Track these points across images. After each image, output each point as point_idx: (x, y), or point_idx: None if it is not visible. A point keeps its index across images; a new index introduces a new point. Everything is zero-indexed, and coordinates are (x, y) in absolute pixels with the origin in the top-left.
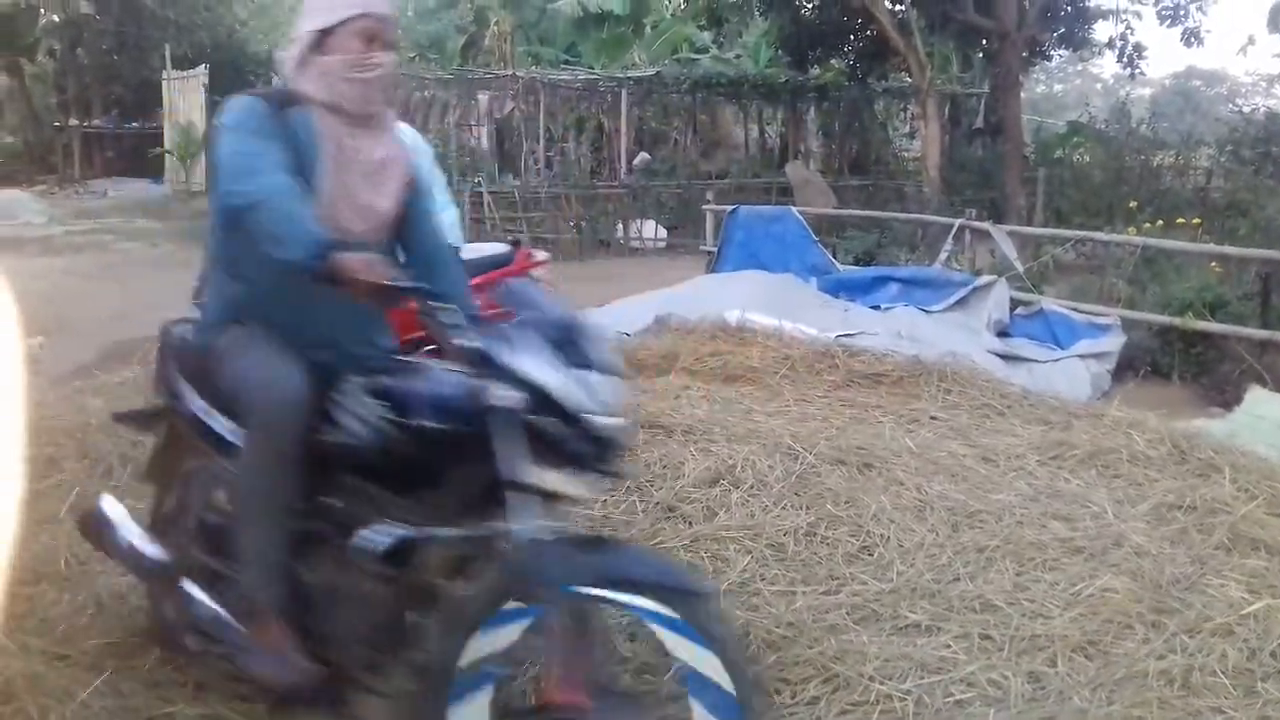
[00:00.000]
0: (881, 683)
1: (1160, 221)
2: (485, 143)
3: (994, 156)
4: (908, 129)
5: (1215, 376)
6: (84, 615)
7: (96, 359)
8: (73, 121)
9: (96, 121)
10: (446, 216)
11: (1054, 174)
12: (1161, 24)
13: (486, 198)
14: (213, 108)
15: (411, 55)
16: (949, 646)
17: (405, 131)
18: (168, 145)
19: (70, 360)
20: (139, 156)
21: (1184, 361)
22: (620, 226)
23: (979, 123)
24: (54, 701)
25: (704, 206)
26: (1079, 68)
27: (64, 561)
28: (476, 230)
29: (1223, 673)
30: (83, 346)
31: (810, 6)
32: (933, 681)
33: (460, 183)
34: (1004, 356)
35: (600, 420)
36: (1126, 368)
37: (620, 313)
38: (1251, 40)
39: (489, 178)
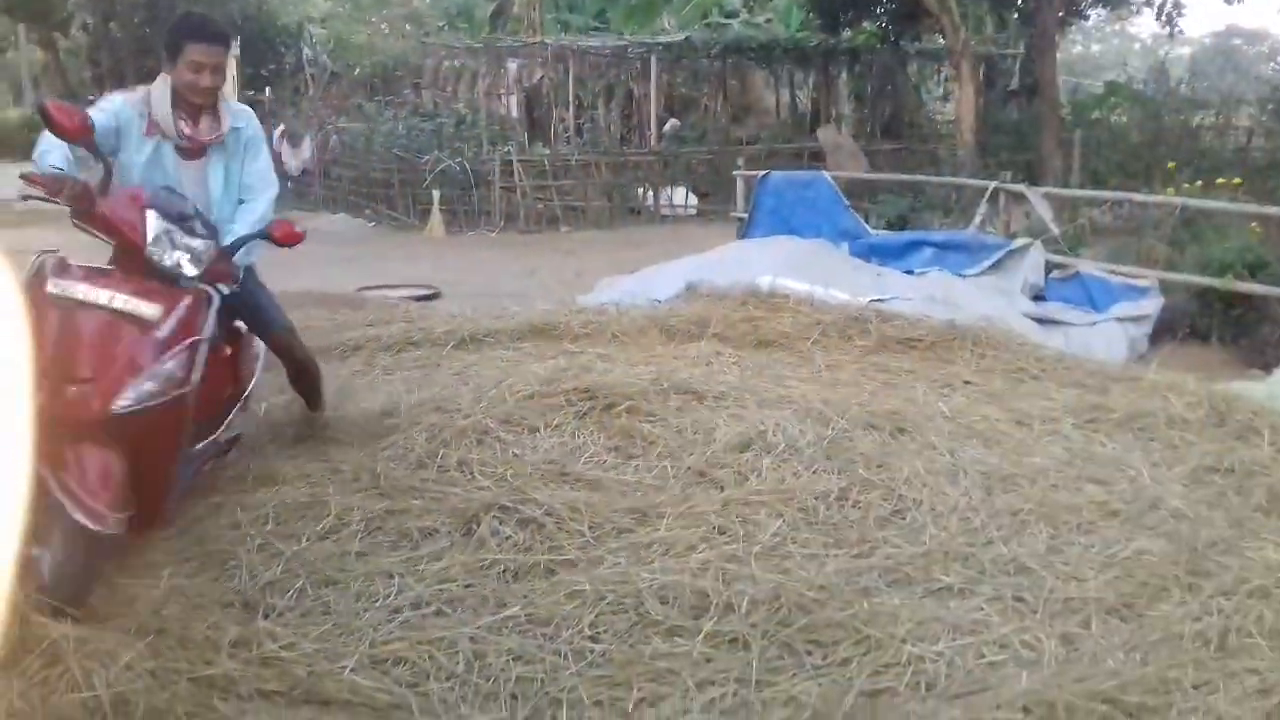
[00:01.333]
0: (913, 644)
1: (1199, 182)
2: (515, 111)
3: (1029, 118)
4: (941, 92)
5: (1255, 338)
6: (123, 579)
7: None
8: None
9: None
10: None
11: (1091, 135)
12: None
13: (516, 166)
14: (244, 79)
15: (440, 24)
16: (982, 609)
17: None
18: None
19: None
20: None
21: (1223, 324)
22: (650, 194)
23: (1014, 84)
24: (98, 665)
25: (735, 172)
26: (1116, 27)
27: None
28: (508, 200)
29: (1259, 634)
30: None
31: None
32: (965, 643)
33: (490, 152)
34: (1039, 320)
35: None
36: (1165, 330)
37: (651, 279)
38: None
39: (519, 146)
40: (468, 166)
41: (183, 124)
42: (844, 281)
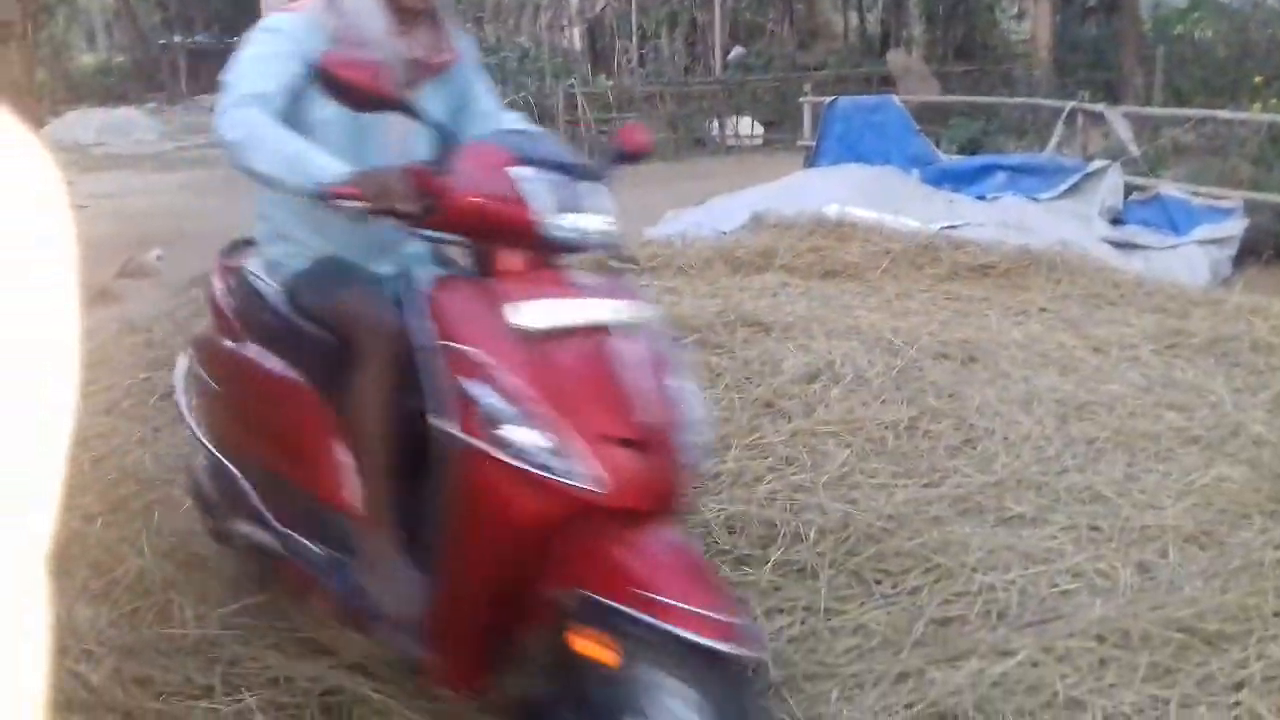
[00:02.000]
0: (984, 573)
1: None
2: (577, 43)
3: (1108, 35)
4: (1016, 10)
5: None
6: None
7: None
8: (177, 38)
9: (199, 37)
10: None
11: (1173, 51)
12: None
13: (580, 100)
14: None
15: None
16: (1055, 538)
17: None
18: None
19: (187, 270)
20: None
21: None
22: (716, 124)
23: (1092, 0)
24: (189, 600)
25: (801, 99)
26: None
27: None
28: (572, 134)
29: None
30: (199, 257)
31: None
32: (1037, 572)
33: (553, 86)
34: (1118, 244)
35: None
36: (1249, 252)
37: (716, 211)
38: None
39: (582, 79)
40: (532, 101)
41: (404, 42)
42: (914, 208)
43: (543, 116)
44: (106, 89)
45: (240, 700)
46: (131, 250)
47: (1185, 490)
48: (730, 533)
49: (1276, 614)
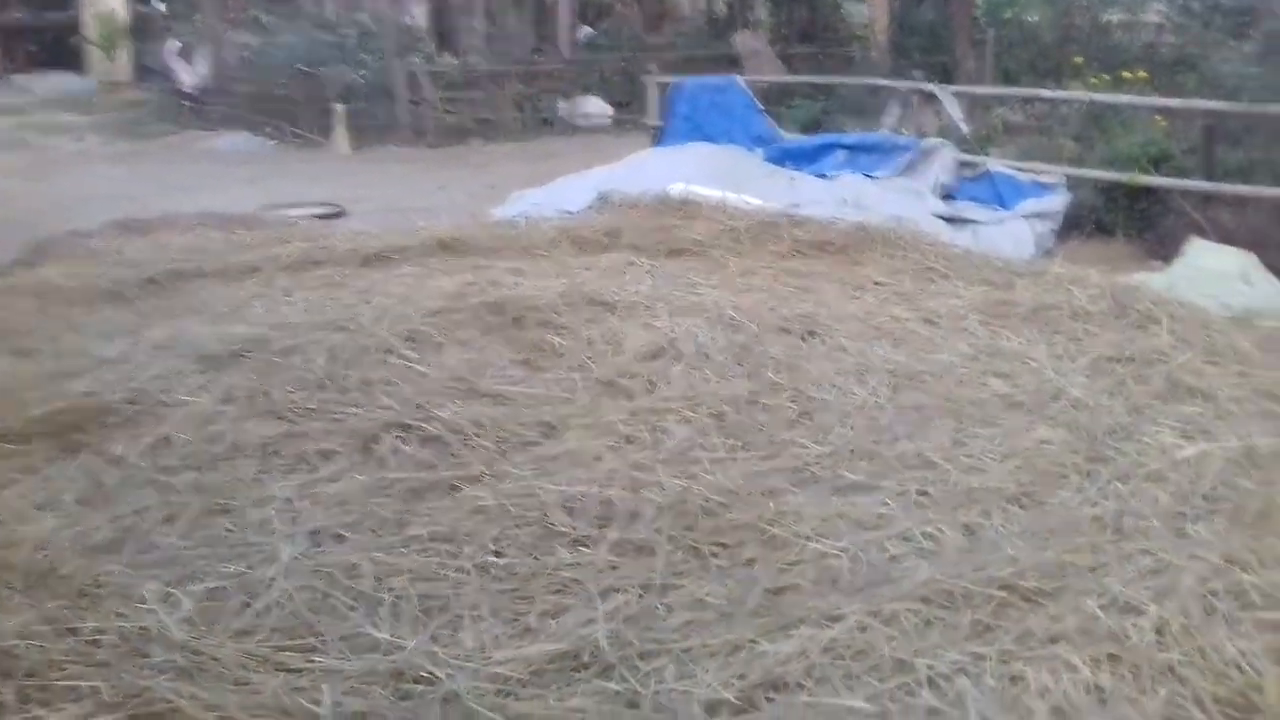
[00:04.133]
0: (818, 541)
1: (1107, 77)
2: (422, 20)
3: (943, 19)
4: None
5: (1158, 231)
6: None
7: (20, 254)
8: None
9: (16, 15)
10: None
11: (1003, 35)
12: None
13: (424, 78)
14: None
15: None
16: (886, 504)
17: None
18: (89, 36)
19: None
20: (60, 48)
21: (1128, 218)
22: (563, 104)
23: None
24: None
25: (647, 79)
26: None
27: None
28: (417, 113)
29: (1154, 517)
30: (3, 246)
31: None
32: (869, 538)
33: (395, 64)
34: (949, 219)
35: None
36: (1072, 226)
37: (562, 191)
38: None
39: (426, 57)
40: (373, 79)
41: None
42: (757, 187)
43: (384, 94)
44: None
45: (38, 718)
46: None
47: (1009, 453)
48: (568, 514)
49: (1092, 569)
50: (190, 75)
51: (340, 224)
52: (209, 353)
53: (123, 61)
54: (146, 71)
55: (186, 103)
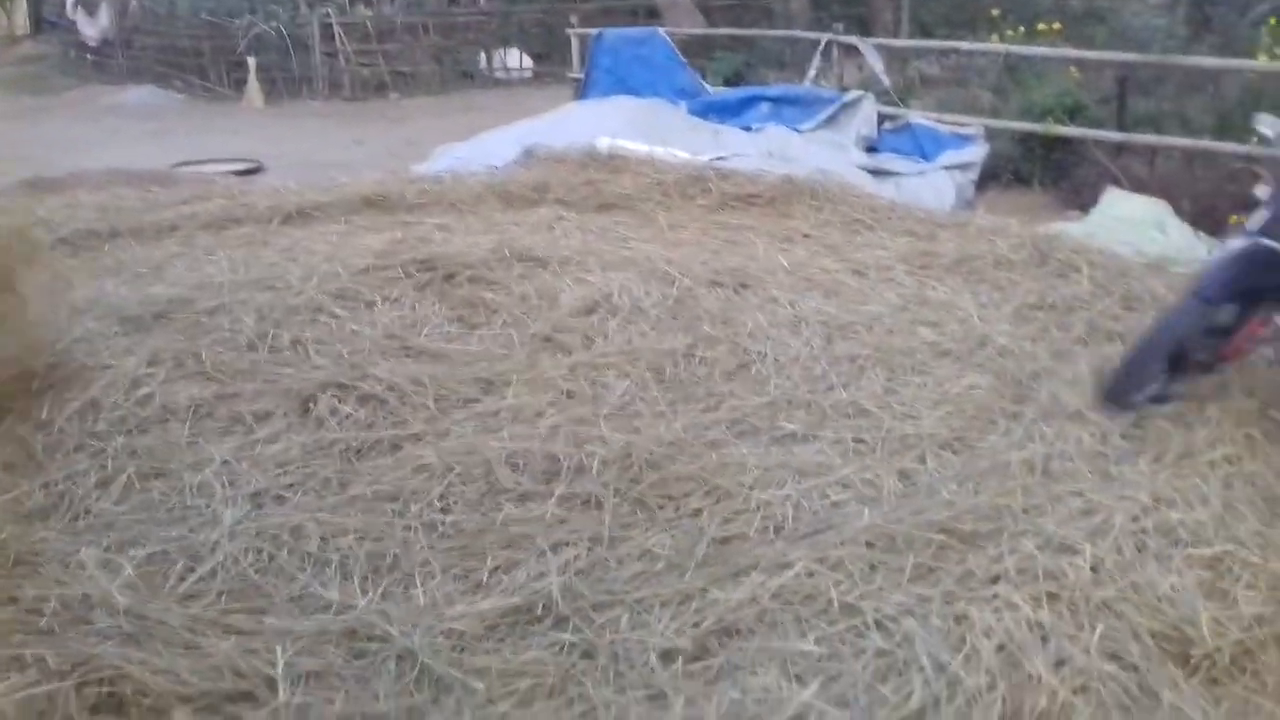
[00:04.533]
0: (761, 490)
1: (1022, 29)
2: None
3: None
4: None
5: (1074, 180)
6: None
7: None
8: None
9: None
10: None
11: None
12: None
13: (337, 29)
14: None
15: None
16: (824, 452)
17: None
18: None
19: None
20: None
21: (1044, 168)
22: (483, 56)
23: None
24: None
25: (569, 31)
26: None
27: None
28: (331, 66)
29: (1079, 458)
30: None
31: None
32: (810, 486)
33: (308, 14)
34: (872, 171)
35: None
36: (990, 176)
37: (486, 145)
38: None
39: (338, 8)
40: (284, 31)
41: None
42: (683, 140)
43: (298, 47)
44: None
45: None
46: None
47: (939, 400)
48: (513, 470)
49: (1025, 511)
50: (92, 27)
51: (258, 180)
52: (131, 314)
53: (20, 14)
54: (46, 24)
55: (89, 56)
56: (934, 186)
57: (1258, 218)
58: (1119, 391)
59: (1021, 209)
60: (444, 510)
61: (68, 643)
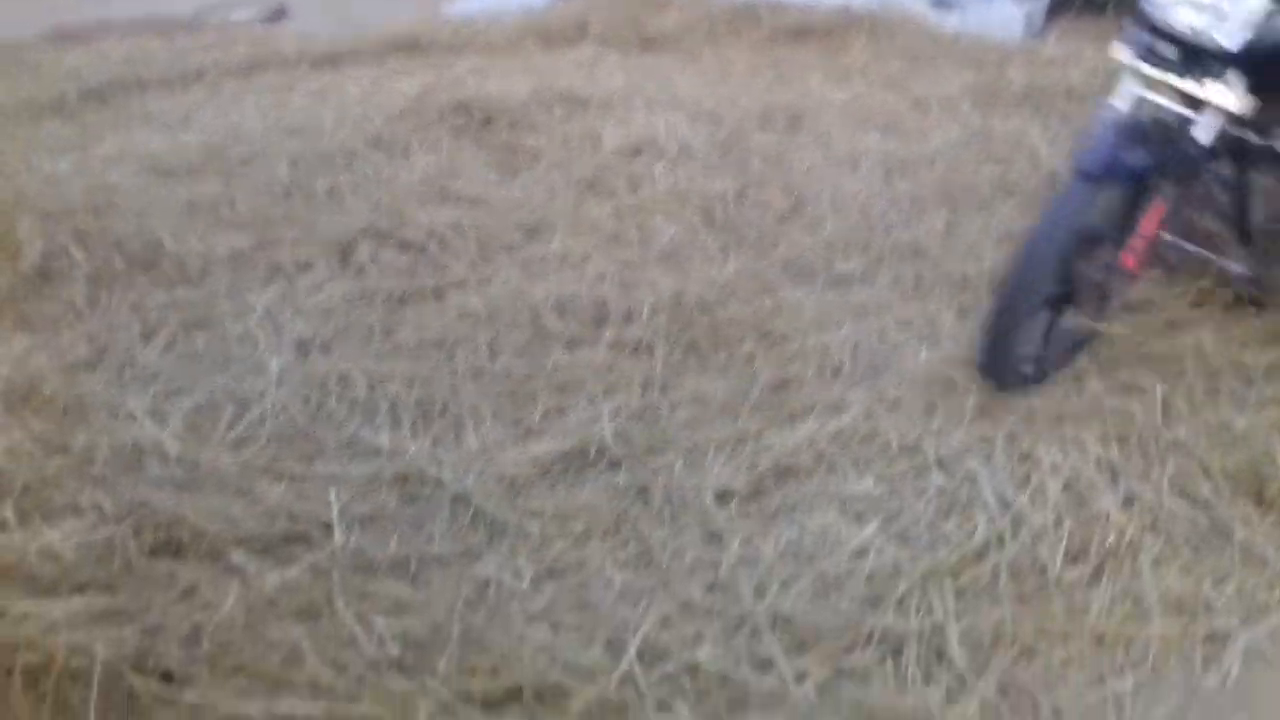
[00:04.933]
0: (817, 333)
1: None
2: None
3: None
4: None
5: None
6: None
7: None
8: None
9: None
10: None
11: None
12: None
13: None
14: None
15: None
16: (882, 294)
17: None
18: None
19: None
20: None
21: None
22: None
23: None
24: None
25: None
26: None
27: None
28: None
29: None
30: None
31: None
32: (867, 327)
33: None
34: (934, 2)
35: None
36: (1062, 4)
37: None
38: None
39: None
40: None
41: None
42: None
43: None
44: None
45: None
46: None
47: (1003, 239)
48: (560, 316)
49: None
50: None
51: (284, 25)
52: (165, 164)
53: None
54: None
55: None
56: (1001, 15)
57: None
58: (993, 360)
59: (1095, 37)
60: (491, 357)
61: (121, 489)
